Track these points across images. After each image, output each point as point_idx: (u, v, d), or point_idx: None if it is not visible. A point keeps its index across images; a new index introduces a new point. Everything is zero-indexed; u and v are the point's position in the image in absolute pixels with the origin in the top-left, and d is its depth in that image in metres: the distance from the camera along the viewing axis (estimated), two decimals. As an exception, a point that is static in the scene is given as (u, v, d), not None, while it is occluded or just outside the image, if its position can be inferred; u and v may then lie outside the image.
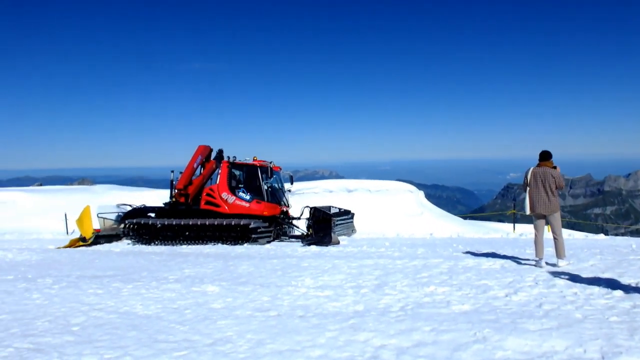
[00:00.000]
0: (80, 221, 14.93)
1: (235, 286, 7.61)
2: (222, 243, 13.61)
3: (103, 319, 6.04)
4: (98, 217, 15.18)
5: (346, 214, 14.92)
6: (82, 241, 14.58)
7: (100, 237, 15.05)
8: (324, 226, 13.16)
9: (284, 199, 15.30)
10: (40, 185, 36.61)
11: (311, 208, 13.99)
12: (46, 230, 19.09)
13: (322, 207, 14.20)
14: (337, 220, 13.71)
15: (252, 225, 13.48)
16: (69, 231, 17.89)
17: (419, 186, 31.22)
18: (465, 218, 21.87)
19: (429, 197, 27.46)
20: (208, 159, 16.03)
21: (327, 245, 12.33)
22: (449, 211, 26.25)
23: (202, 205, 14.65)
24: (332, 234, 12.78)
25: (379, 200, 19.70)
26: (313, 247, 12.25)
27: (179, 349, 4.88)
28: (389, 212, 18.93)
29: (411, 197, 20.37)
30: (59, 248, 14.10)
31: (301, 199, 18.27)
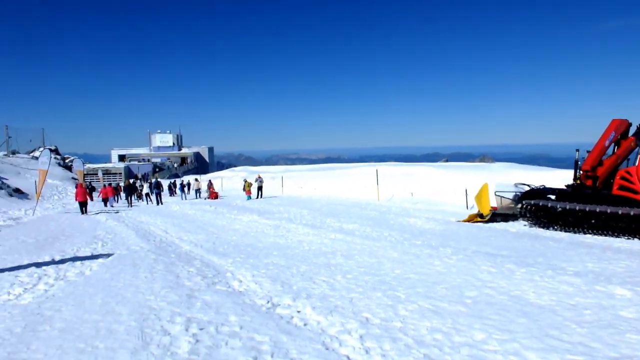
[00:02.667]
0: (478, 198, 15.64)
1: (656, 296, 6.12)
2: (640, 238, 11.29)
3: (494, 298, 6.09)
4: (495, 195, 15.46)
5: None
6: (479, 217, 15.25)
7: (496, 215, 15.33)
8: None
9: None
10: (446, 161, 40.70)
11: None
12: (449, 203, 20.77)
13: None
14: None
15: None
16: (468, 206, 19.05)
17: None
18: None
19: None
20: (625, 135, 13.55)
21: None
22: None
23: (615, 190, 12.59)
24: None
25: None
26: None
27: (573, 352, 4.36)
28: None
29: None
30: (458, 221, 15.30)
31: None
